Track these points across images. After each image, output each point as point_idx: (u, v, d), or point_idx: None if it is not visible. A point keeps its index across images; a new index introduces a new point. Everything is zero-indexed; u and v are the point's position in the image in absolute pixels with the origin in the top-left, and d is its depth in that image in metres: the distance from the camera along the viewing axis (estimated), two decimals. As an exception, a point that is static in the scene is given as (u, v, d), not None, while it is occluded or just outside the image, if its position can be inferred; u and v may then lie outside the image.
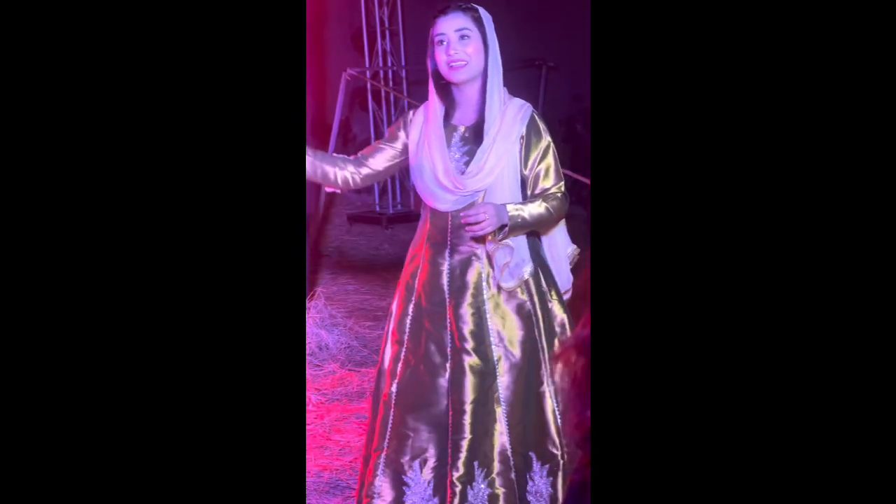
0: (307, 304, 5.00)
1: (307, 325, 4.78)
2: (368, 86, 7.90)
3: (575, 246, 2.66)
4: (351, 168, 2.55)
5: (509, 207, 2.39)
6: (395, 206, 8.26)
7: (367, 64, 7.98)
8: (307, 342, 4.65)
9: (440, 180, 2.44)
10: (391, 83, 8.25)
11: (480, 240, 2.46)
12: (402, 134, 2.57)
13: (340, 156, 2.59)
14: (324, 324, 4.86)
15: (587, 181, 5.21)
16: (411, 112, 2.59)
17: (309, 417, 3.75)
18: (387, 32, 8.11)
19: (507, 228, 2.39)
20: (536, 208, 2.43)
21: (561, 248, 2.62)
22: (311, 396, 3.99)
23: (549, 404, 2.49)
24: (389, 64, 8.15)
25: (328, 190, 2.68)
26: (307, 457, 3.34)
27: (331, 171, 2.52)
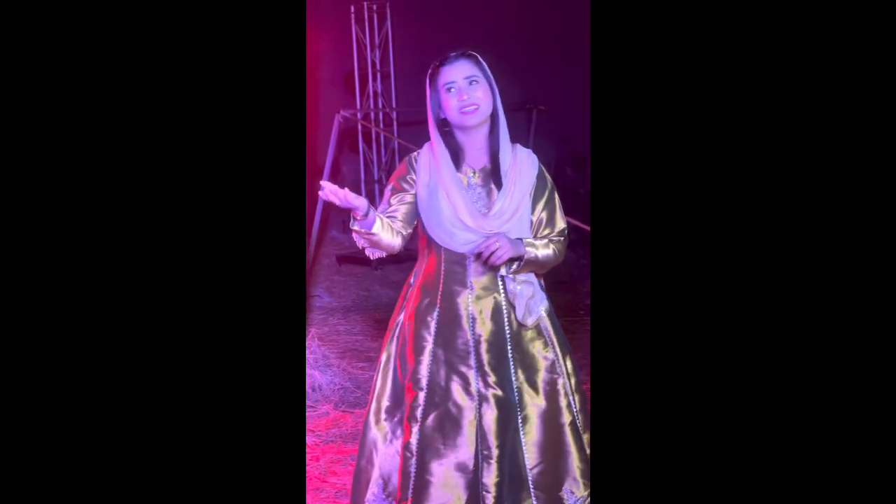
0: (300, 345, 5.00)
1: (300, 366, 4.77)
2: (359, 127, 7.96)
3: None
4: (400, 231, 2.48)
5: (525, 242, 2.47)
6: (384, 246, 8.25)
7: (358, 105, 8.04)
8: (301, 383, 4.64)
9: (463, 220, 2.46)
10: (382, 124, 8.31)
11: (494, 274, 2.50)
12: (411, 178, 2.54)
13: (385, 216, 2.47)
14: (317, 364, 4.85)
15: (577, 224, 5.24)
16: (415, 153, 2.58)
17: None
18: (378, 74, 8.19)
19: (522, 261, 2.45)
20: (545, 249, 2.51)
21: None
22: (306, 438, 3.97)
23: (572, 435, 2.51)
24: (381, 105, 8.21)
25: (373, 256, 2.50)
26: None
27: (389, 236, 2.44)
